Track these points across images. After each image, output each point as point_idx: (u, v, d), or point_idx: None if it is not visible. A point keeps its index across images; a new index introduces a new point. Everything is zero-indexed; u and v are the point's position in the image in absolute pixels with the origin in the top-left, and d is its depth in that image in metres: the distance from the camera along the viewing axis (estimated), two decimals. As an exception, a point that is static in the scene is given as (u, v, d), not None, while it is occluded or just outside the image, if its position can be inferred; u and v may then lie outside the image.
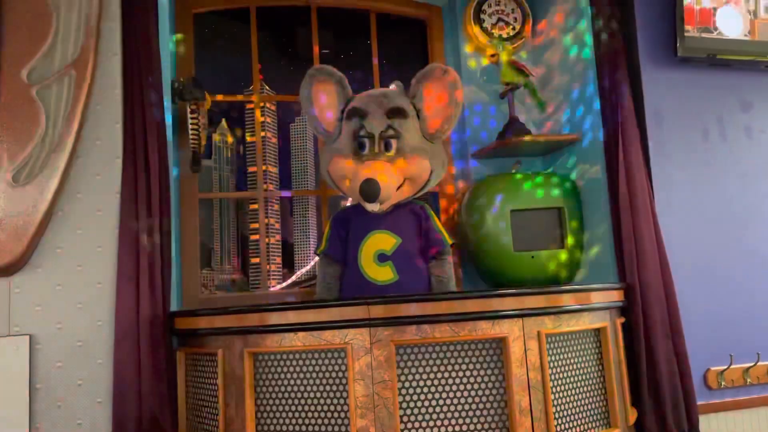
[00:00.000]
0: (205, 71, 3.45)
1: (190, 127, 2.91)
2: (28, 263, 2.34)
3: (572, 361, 2.27)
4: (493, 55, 3.16)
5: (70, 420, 2.30)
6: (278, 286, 3.61)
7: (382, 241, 2.65)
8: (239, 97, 3.53)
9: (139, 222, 2.45)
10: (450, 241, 2.78)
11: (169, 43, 3.02)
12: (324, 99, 2.80)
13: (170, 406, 2.36)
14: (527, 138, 3.08)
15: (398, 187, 2.64)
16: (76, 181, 2.44)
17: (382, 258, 2.63)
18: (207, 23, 3.55)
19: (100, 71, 2.49)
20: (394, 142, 2.62)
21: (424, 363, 2.06)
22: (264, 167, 3.55)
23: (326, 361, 2.07)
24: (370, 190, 2.53)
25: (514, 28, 3.41)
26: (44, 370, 2.30)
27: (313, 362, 2.08)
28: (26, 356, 2.26)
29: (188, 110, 2.89)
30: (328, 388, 2.06)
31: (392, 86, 2.98)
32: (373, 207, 2.62)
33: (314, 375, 2.08)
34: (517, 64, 3.18)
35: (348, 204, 2.99)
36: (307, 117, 2.92)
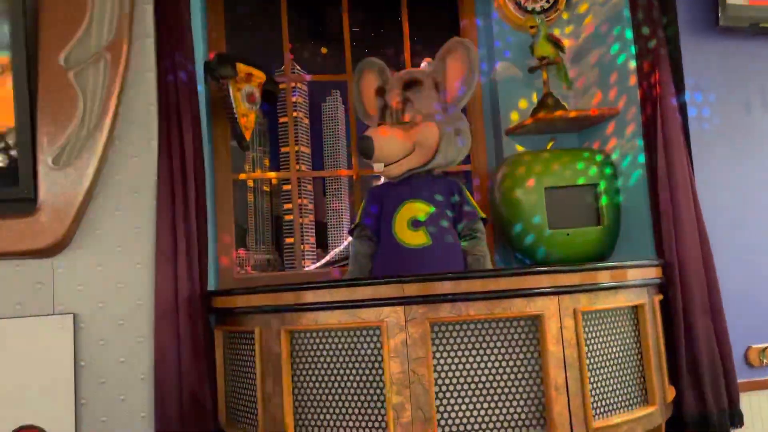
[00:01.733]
0: (238, 50, 3.45)
1: (233, 105, 2.91)
2: (70, 244, 2.40)
3: (609, 338, 2.24)
4: (532, 27, 3.11)
5: (114, 396, 2.37)
6: (312, 266, 3.64)
7: (416, 209, 2.70)
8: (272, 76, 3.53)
9: (176, 203, 2.49)
10: (482, 215, 2.80)
11: (200, 24, 3.03)
12: (369, 87, 3.00)
13: (209, 382, 2.42)
14: (562, 113, 3.03)
15: (408, 153, 2.67)
16: (114, 163, 2.48)
17: (415, 224, 2.66)
18: (238, 3, 3.55)
19: (134, 54, 2.52)
20: (407, 112, 2.69)
21: (459, 340, 2.06)
22: (296, 148, 3.57)
23: (361, 339, 2.08)
24: (362, 145, 2.67)
25: (548, 1, 3.33)
26: (88, 348, 2.37)
27: (349, 339, 2.10)
28: (71, 334, 2.33)
29: (229, 88, 2.89)
30: (363, 365, 2.08)
31: (423, 64, 3.02)
32: (377, 167, 2.73)
33: (349, 352, 2.10)
34: (553, 37, 3.12)
35: (379, 181, 3.03)
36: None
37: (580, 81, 3.29)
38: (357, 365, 2.09)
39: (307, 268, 3.66)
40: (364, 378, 2.07)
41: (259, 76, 2.96)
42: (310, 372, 2.15)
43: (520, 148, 3.28)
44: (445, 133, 2.71)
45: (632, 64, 2.91)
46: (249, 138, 2.95)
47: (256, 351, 2.24)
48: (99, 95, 2.41)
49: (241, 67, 2.95)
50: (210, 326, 2.55)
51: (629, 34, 2.92)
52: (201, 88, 2.79)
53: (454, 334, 2.06)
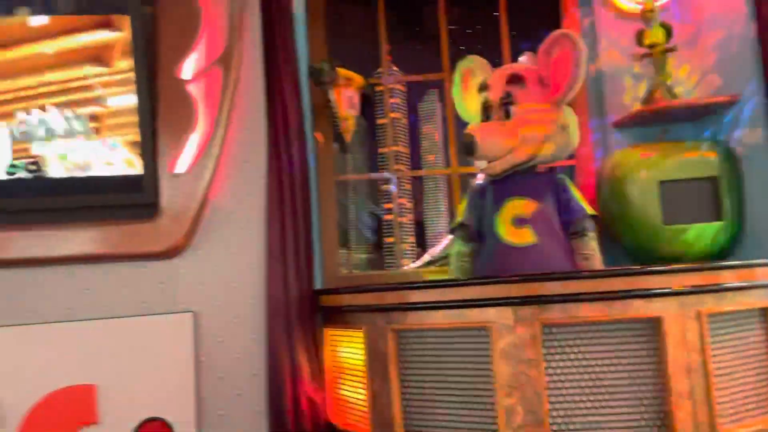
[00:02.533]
0: (336, 55, 3.52)
1: (333, 109, 2.98)
2: (189, 246, 2.54)
3: (735, 342, 2.09)
4: (648, 11, 2.95)
5: (231, 390, 2.49)
6: (412, 265, 3.65)
7: (520, 206, 2.62)
8: (369, 81, 3.58)
9: (284, 205, 2.58)
10: (590, 212, 2.68)
11: (303, 31, 3.12)
12: (470, 85, 2.93)
13: (319, 379, 2.48)
14: (676, 102, 2.86)
15: (512, 150, 2.61)
16: (228, 168, 2.60)
17: (520, 222, 2.59)
18: (337, 8, 3.61)
19: (244, 63, 2.63)
20: (511, 108, 2.62)
21: (570, 342, 1.98)
22: (395, 148, 3.59)
23: (469, 339, 2.06)
24: (465, 142, 2.59)
25: (658, -15, 3.15)
26: (206, 344, 2.50)
27: (456, 340, 2.08)
28: (191, 331, 2.46)
29: (331, 93, 2.96)
30: (471, 365, 2.05)
31: (522, 58, 2.96)
32: (480, 164, 2.65)
33: (457, 352, 2.08)
34: (666, 23, 2.95)
35: (482, 179, 2.99)
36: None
37: (696, 66, 3.09)
38: (465, 365, 2.07)
39: (406, 268, 3.67)
40: (472, 378, 2.05)
41: (358, 80, 3.01)
42: (417, 371, 2.16)
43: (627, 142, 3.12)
44: (552, 128, 2.63)
45: (754, 48, 2.69)
46: (349, 140, 3.00)
47: (363, 350, 2.27)
48: (212, 104, 2.53)
49: (342, 72, 3.01)
50: (318, 324, 2.61)
51: (751, 13, 2.71)
52: (305, 93, 2.87)
53: (566, 335, 1.99)
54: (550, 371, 1.98)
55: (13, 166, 2.39)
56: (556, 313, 1.96)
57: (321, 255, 3.13)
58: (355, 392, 2.38)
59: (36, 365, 2.33)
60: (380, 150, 3.70)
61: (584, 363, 1.98)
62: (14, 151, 2.42)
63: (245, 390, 2.49)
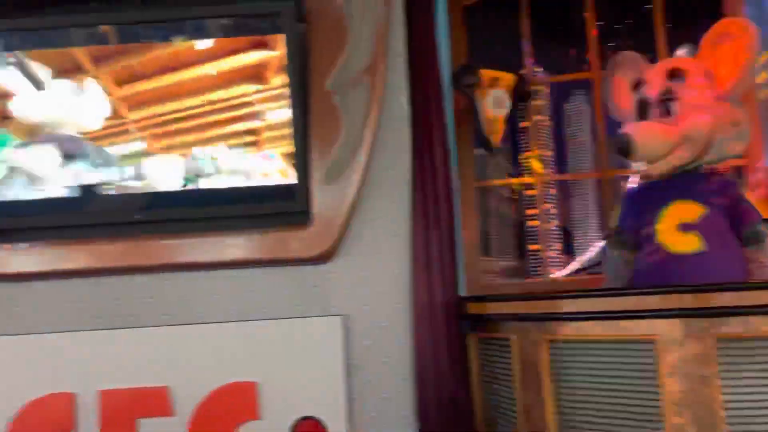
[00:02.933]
0: (477, 58, 3.48)
1: (479, 112, 2.94)
2: (338, 251, 2.62)
3: None
4: None
5: (380, 395, 2.53)
6: (558, 273, 3.51)
7: (685, 210, 2.41)
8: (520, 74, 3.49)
9: (428, 211, 2.60)
10: (765, 216, 2.42)
11: (444, 36, 3.12)
12: (623, 82, 2.80)
13: (466, 387, 2.46)
14: None
15: (673, 149, 2.42)
16: (374, 176, 2.66)
17: (685, 227, 2.38)
18: (476, 10, 3.58)
19: (388, 73, 2.67)
20: (673, 105, 2.43)
21: (749, 359, 1.79)
22: (539, 152, 3.48)
23: (631, 353, 1.93)
24: (621, 143, 2.45)
25: None
26: (356, 348, 2.56)
27: (615, 353, 1.96)
28: (341, 334, 2.54)
29: (474, 96, 2.93)
30: (634, 381, 1.93)
31: (679, 52, 2.75)
32: (636, 166, 2.55)
33: (618, 366, 1.96)
34: None
35: (634, 181, 2.82)
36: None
37: None
38: (627, 380, 1.94)
39: (553, 276, 3.53)
40: (636, 395, 1.91)
41: (507, 78, 2.94)
42: (574, 385, 2.06)
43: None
44: (719, 126, 2.41)
45: None
46: (497, 143, 2.95)
47: (514, 360, 2.21)
48: (359, 114, 2.60)
49: (486, 73, 2.96)
50: (464, 332, 2.59)
51: None
52: (447, 98, 2.87)
53: (744, 351, 1.80)
54: (727, 390, 1.79)
55: (185, 178, 2.62)
56: (732, 326, 1.78)
57: (462, 262, 3.11)
58: (504, 402, 2.32)
59: (203, 361, 2.53)
60: (523, 154, 3.60)
61: (764, 380, 1.78)
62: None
63: (394, 394, 2.52)
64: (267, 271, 2.61)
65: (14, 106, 2.63)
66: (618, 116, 2.85)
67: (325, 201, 2.56)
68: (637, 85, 2.68)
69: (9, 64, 2.59)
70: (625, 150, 2.45)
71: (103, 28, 2.59)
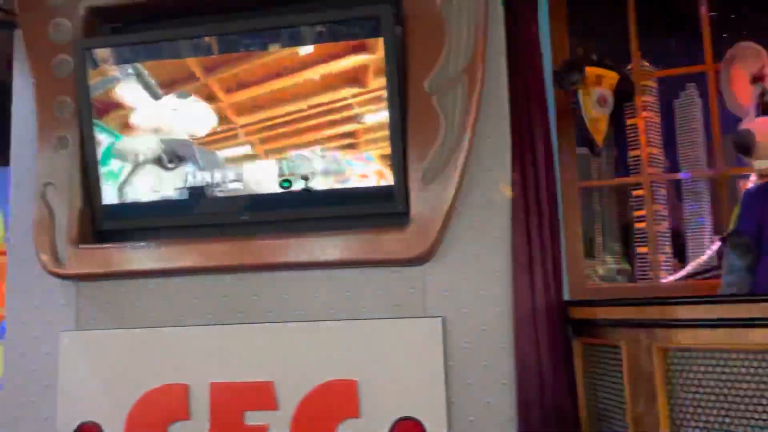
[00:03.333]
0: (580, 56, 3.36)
1: (584, 111, 2.84)
2: (436, 253, 2.61)
3: None
4: None
5: (479, 398, 2.50)
6: (670, 277, 3.32)
7: None
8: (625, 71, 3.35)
9: (530, 213, 2.54)
10: None
11: (546, 33, 3.04)
12: (742, 75, 2.72)
13: (571, 394, 2.38)
14: None
15: None
16: (472, 177, 2.63)
17: None
18: (579, 4, 3.46)
19: (487, 73, 2.64)
20: None
21: None
22: (647, 150, 3.32)
23: (754, 363, 1.79)
24: (741, 139, 2.35)
25: None
26: (455, 350, 2.54)
27: (738, 363, 1.82)
28: (440, 336, 2.53)
29: (578, 94, 2.83)
30: (758, 393, 1.78)
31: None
32: (757, 164, 2.38)
33: (740, 377, 1.82)
34: None
35: (753, 180, 2.63)
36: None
37: None
38: (750, 393, 1.80)
39: (663, 280, 3.35)
40: (759, 407, 1.78)
41: (611, 76, 2.82)
42: (690, 396, 1.94)
43: None
44: None
45: None
46: (601, 142, 2.83)
47: (624, 367, 2.11)
48: (457, 115, 2.58)
49: (590, 71, 2.85)
50: (568, 337, 2.51)
51: None
52: (549, 97, 2.80)
53: None
54: None
55: (286, 180, 2.70)
56: None
57: (565, 265, 3.02)
58: (612, 411, 2.23)
59: (305, 358, 2.60)
60: (631, 153, 3.43)
61: None
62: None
63: (495, 399, 2.48)
64: (365, 271, 2.65)
65: (134, 116, 2.81)
66: (735, 111, 2.68)
67: (422, 202, 2.55)
68: (757, 77, 2.51)
69: (129, 75, 2.79)
70: (744, 147, 2.31)
71: (207, 39, 2.73)
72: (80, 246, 2.74)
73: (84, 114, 2.80)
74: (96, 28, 2.94)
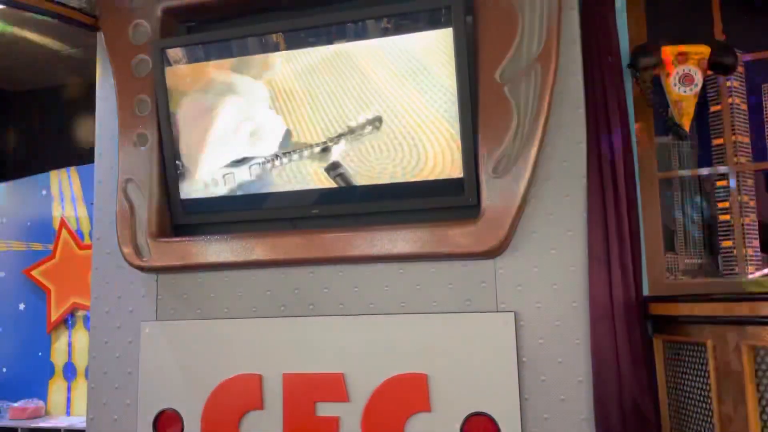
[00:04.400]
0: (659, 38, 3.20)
1: (667, 93, 2.69)
2: (508, 246, 2.56)
3: None
4: None
5: (553, 395, 2.43)
6: (758, 273, 3.13)
7: None
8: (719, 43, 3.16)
9: (606, 205, 2.44)
10: None
11: (623, 20, 2.91)
12: None
13: (651, 392, 2.28)
14: None
15: None
16: (545, 168, 2.56)
17: None
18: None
19: (561, 61, 2.55)
20: None
21: None
22: (733, 138, 3.12)
23: None
24: None
25: None
26: (528, 345, 2.48)
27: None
28: (512, 331, 2.48)
29: (658, 77, 2.68)
30: None
31: None
32: None
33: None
34: None
35: None
36: None
37: None
38: None
39: (751, 276, 3.15)
40: None
41: (699, 51, 2.63)
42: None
43: None
44: None
45: None
46: (688, 125, 2.67)
47: (710, 367, 2.00)
48: (530, 105, 2.51)
49: (670, 49, 2.69)
50: (647, 333, 2.40)
51: None
52: (627, 84, 2.67)
53: None
54: None
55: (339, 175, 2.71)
56: None
57: (644, 260, 2.89)
58: (696, 412, 2.11)
59: (375, 351, 2.61)
60: (715, 141, 3.24)
61: None
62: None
63: (570, 396, 2.40)
64: (435, 264, 2.63)
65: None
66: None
67: (494, 195, 2.50)
68: None
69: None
70: None
71: (274, 36, 2.76)
72: (159, 239, 2.85)
73: (162, 111, 2.90)
74: (171, 28, 3.04)
